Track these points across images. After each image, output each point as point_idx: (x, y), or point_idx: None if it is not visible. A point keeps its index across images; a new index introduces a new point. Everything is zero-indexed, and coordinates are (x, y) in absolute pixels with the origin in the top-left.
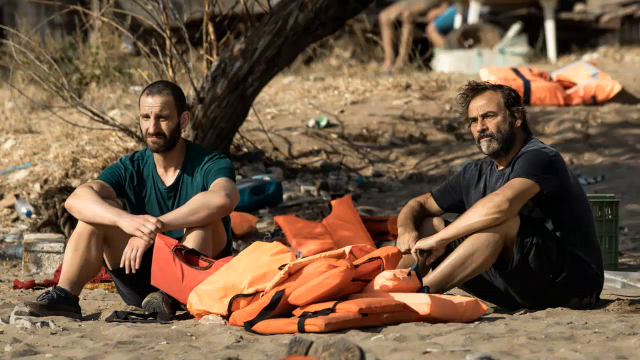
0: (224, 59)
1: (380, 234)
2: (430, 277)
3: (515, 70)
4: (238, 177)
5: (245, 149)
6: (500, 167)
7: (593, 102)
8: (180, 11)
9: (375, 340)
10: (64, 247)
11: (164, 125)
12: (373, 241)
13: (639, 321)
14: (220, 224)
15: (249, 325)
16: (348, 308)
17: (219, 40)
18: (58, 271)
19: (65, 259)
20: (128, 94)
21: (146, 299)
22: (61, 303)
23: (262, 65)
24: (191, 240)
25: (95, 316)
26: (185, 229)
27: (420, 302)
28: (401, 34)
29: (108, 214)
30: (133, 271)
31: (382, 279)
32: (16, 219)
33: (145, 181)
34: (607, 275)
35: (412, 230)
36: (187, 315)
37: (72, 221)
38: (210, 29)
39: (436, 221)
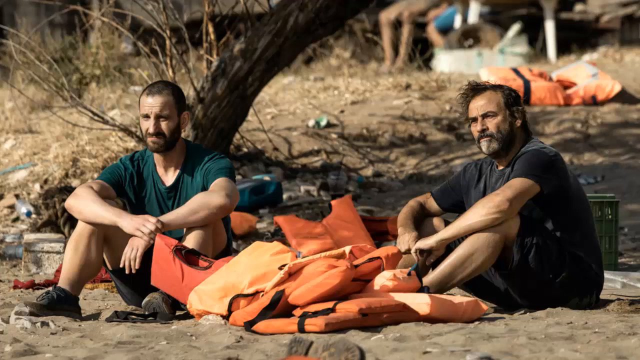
0: (224, 59)
1: (380, 234)
2: (430, 277)
3: (515, 70)
4: (238, 177)
5: (245, 149)
6: (500, 167)
7: (593, 102)
8: (180, 11)
9: (375, 340)
10: (64, 247)
11: (164, 125)
12: (373, 241)
13: (639, 321)
14: (220, 224)
15: (249, 325)
16: (348, 308)
17: (219, 40)
18: (58, 271)
19: (65, 259)
20: (128, 94)
21: (146, 299)
22: (61, 303)
23: (262, 65)
24: (191, 240)
25: (95, 316)
26: (185, 229)
27: (420, 302)
28: (401, 34)
29: (108, 214)
30: (133, 271)
31: (382, 279)
32: (16, 219)
33: (145, 181)
34: (607, 275)
35: (412, 230)
36: (187, 315)
37: (72, 221)
38: (210, 29)
39: (436, 221)
